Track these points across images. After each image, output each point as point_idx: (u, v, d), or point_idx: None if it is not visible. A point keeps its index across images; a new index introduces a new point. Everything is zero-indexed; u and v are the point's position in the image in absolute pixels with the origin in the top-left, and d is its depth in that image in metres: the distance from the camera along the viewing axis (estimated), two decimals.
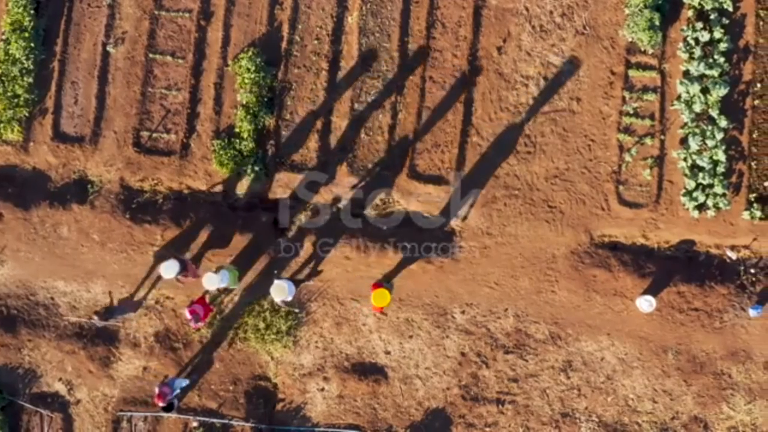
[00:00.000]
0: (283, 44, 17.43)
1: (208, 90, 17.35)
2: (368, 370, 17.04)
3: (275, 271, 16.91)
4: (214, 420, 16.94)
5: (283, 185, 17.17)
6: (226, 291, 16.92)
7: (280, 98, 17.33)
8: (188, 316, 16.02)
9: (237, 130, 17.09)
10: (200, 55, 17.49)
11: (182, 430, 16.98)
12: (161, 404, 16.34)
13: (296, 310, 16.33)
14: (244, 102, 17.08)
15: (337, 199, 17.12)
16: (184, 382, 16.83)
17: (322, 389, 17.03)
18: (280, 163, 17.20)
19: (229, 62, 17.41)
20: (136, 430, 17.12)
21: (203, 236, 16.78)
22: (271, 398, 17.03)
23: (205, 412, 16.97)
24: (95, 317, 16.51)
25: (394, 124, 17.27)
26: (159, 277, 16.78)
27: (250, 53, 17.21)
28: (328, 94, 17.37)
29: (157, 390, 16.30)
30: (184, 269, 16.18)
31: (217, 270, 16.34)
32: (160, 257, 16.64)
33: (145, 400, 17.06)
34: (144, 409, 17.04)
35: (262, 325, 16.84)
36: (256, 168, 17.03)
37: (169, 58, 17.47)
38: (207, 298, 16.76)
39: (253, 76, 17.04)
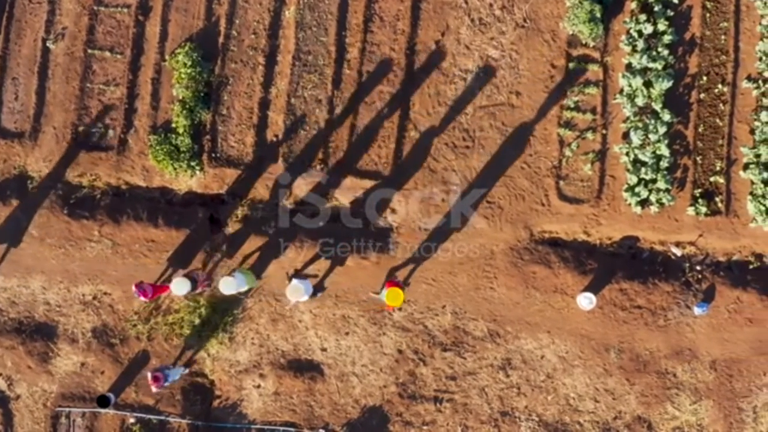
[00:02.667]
0: (221, 39, 16.68)
1: (145, 85, 16.67)
2: (304, 367, 16.29)
3: (289, 272, 16.20)
4: (151, 416, 16.27)
5: (219, 180, 16.65)
6: (246, 293, 16.30)
7: (217, 93, 16.59)
8: (134, 289, 15.37)
9: (173, 125, 16.44)
10: (138, 51, 16.79)
11: (119, 426, 16.28)
12: (154, 387, 15.65)
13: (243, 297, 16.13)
14: (181, 97, 16.39)
15: (273, 196, 16.43)
16: (179, 371, 16.22)
17: (258, 386, 16.32)
18: (216, 159, 16.51)
19: (167, 57, 16.70)
20: (75, 426, 16.46)
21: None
22: (207, 395, 16.37)
23: (142, 408, 16.32)
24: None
25: (330, 119, 16.50)
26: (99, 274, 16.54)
27: (186, 48, 16.51)
28: (265, 89, 16.59)
29: (149, 375, 15.68)
30: (195, 285, 15.61)
31: (231, 273, 15.75)
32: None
33: (83, 396, 16.39)
34: (82, 405, 16.33)
35: (197, 321, 16.19)
36: (192, 163, 16.35)
37: (107, 54, 16.78)
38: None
39: (189, 71, 16.35)
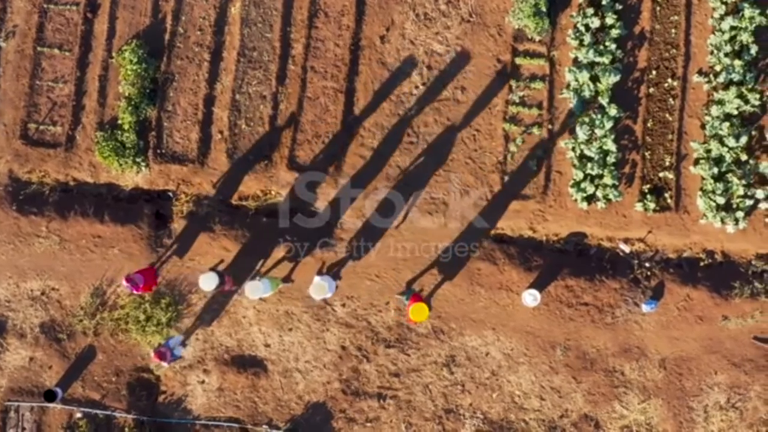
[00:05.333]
0: (167, 36, 16.17)
1: (93, 82, 16.21)
2: (248, 363, 15.77)
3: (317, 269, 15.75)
4: (97, 411, 15.80)
5: (164, 176, 16.19)
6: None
7: (163, 90, 16.06)
8: (125, 284, 14.93)
9: (119, 121, 15.99)
10: (86, 48, 16.34)
11: (67, 420, 15.82)
12: (164, 363, 15.42)
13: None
14: (127, 94, 15.93)
15: (209, 191, 16.08)
16: (179, 340, 15.87)
17: (203, 382, 15.81)
18: (161, 155, 16.07)
19: (114, 54, 16.24)
20: (24, 420, 15.96)
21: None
22: (153, 390, 15.92)
23: (88, 403, 15.87)
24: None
25: (275, 114, 15.95)
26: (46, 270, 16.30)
27: (133, 45, 16.03)
28: (210, 85, 16.08)
29: (152, 353, 15.42)
30: (222, 282, 15.17)
31: (254, 277, 15.40)
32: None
33: (32, 391, 15.96)
34: (31, 399, 15.88)
35: (142, 316, 15.71)
36: (138, 159, 15.91)
37: (56, 51, 16.32)
38: (155, 271, 15.77)
39: (135, 68, 15.85)
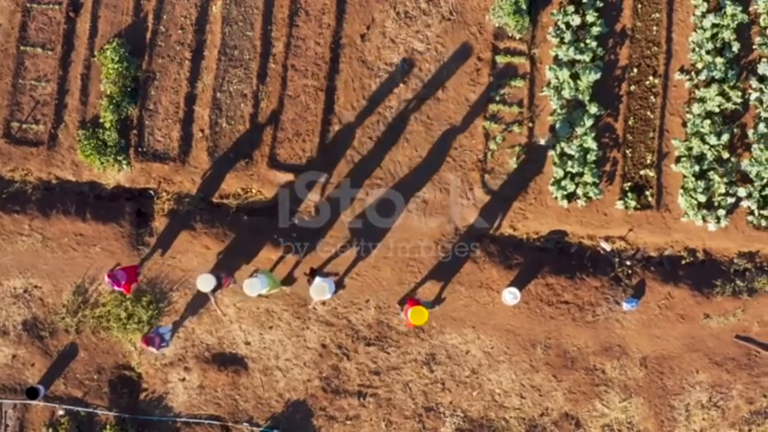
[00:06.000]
0: (148, 35, 16.09)
1: (75, 81, 16.13)
2: (229, 361, 15.66)
3: (311, 270, 15.58)
4: (79, 408, 15.72)
5: (146, 175, 16.16)
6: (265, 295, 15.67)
7: (144, 88, 15.99)
8: (107, 280, 15.01)
9: (101, 120, 15.94)
10: (69, 47, 16.25)
11: (49, 417, 15.77)
12: (152, 349, 15.40)
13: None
14: (108, 92, 15.88)
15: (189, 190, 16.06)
16: (168, 329, 15.84)
17: (183, 379, 15.70)
18: (143, 153, 16.01)
19: (96, 53, 16.18)
20: (6, 417, 15.86)
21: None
22: (134, 388, 15.85)
23: (70, 400, 15.79)
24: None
25: (256, 112, 15.87)
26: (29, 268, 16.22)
27: (114, 44, 15.97)
28: (191, 84, 15.99)
29: (140, 341, 15.44)
30: (219, 284, 15.15)
31: (253, 274, 15.28)
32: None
33: (15, 388, 15.92)
34: (14, 396, 15.87)
35: (123, 314, 15.64)
36: (119, 158, 15.84)
37: (39, 50, 16.26)
38: (138, 269, 15.68)
39: (117, 66, 15.78)
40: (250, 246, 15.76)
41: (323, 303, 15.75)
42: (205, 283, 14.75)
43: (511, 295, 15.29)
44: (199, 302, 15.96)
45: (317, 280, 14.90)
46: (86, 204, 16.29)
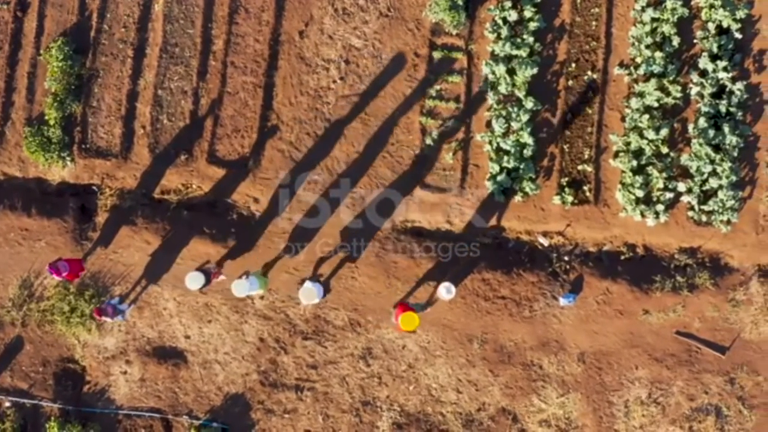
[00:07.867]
0: (92, 33, 16.07)
1: (22, 79, 16.17)
2: (169, 355, 15.60)
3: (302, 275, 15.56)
4: (25, 400, 15.74)
5: (89, 171, 16.11)
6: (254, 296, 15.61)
7: (88, 86, 15.98)
8: (48, 270, 15.07)
9: (46, 117, 15.99)
10: (16, 46, 16.31)
11: None
12: (107, 318, 15.44)
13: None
14: (53, 90, 15.88)
15: (131, 186, 16.05)
16: (117, 301, 15.82)
17: (125, 372, 15.65)
18: (86, 150, 16.00)
19: (42, 52, 16.20)
20: None
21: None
22: (78, 380, 15.85)
23: (16, 392, 15.83)
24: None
25: (196, 109, 15.80)
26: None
27: (59, 42, 15.97)
28: (133, 81, 15.93)
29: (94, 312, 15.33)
30: (208, 281, 15.15)
31: (243, 276, 15.25)
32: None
33: None
34: None
35: (67, 308, 15.65)
36: (63, 154, 15.85)
37: None
38: (83, 263, 15.66)
39: (61, 64, 15.77)
40: (187, 240, 15.78)
41: (262, 297, 15.76)
42: (194, 281, 14.65)
43: (445, 290, 15.15)
44: (141, 296, 16.06)
45: (306, 284, 14.80)
46: (32, 199, 16.36)
